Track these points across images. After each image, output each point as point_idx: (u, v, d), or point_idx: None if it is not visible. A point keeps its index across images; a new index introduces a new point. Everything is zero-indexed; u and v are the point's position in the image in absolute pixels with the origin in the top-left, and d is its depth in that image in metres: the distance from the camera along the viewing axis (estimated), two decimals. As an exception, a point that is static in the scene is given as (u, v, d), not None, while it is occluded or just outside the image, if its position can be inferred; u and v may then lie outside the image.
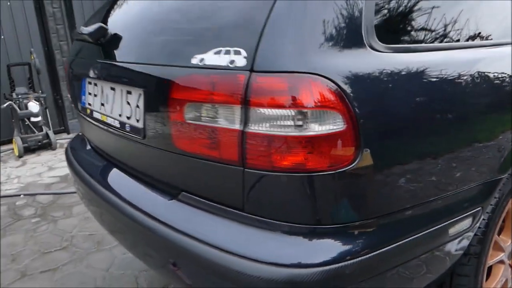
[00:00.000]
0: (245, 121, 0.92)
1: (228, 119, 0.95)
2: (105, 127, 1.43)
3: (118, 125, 1.33)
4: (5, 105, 4.21)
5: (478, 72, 1.15)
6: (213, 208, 1.07)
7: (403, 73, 0.99)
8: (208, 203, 1.08)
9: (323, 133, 0.89)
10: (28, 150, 4.31)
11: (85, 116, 1.61)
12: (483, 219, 1.27)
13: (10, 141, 4.46)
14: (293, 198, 0.96)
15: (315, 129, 0.89)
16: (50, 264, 2.27)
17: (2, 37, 4.58)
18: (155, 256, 1.25)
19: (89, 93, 1.54)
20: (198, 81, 0.99)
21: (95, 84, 1.48)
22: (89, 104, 1.54)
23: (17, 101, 4.27)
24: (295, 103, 0.88)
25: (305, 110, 0.88)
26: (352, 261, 0.99)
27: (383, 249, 1.04)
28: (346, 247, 1.00)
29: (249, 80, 0.90)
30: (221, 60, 0.95)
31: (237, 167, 0.97)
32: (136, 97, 1.21)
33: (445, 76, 1.07)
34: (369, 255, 1.01)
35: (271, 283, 0.94)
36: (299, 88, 0.88)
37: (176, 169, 1.16)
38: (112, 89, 1.36)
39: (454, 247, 1.21)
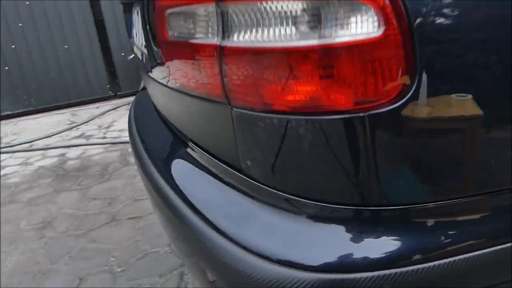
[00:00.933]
0: (223, 29, 0.57)
1: (204, 29, 0.61)
2: (139, 62, 1.20)
3: (141, 57, 1.08)
4: (131, 56, 4.42)
5: None
6: (213, 165, 0.76)
7: None
8: (209, 158, 0.77)
9: (346, 42, 0.49)
10: (153, 100, 4.50)
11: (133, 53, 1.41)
12: None
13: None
14: (309, 158, 0.58)
15: (332, 35, 0.49)
16: (138, 211, 2.25)
17: (132, -9, 4.77)
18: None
19: (134, 23, 1.32)
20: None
21: (136, 12, 1.25)
22: (133, 37, 1.33)
23: (142, 53, 4.44)
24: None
25: (312, 2, 0.49)
26: (423, 265, 0.60)
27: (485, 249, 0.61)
28: (411, 244, 0.61)
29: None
30: None
31: (225, 106, 0.63)
32: (146, 18, 0.93)
33: None
34: (456, 257, 0.60)
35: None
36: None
37: (180, 112, 0.86)
38: (137, 13, 1.10)
39: None
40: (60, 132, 3.91)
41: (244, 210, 0.67)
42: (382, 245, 0.60)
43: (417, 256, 0.60)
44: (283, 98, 0.54)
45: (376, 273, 0.59)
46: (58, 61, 4.69)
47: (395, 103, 0.49)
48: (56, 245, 2.02)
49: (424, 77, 0.48)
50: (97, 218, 2.24)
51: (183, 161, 0.85)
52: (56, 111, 4.73)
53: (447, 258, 0.59)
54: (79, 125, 4.10)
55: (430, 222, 0.61)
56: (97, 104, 4.86)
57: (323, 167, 0.58)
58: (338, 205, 0.60)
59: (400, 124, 0.51)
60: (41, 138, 3.79)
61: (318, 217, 0.62)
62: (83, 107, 4.79)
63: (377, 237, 0.61)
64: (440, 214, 0.61)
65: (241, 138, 0.63)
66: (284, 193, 0.63)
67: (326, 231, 0.62)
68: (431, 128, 0.53)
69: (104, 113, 4.48)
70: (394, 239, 0.61)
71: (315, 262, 0.59)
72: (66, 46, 4.68)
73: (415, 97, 0.49)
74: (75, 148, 3.43)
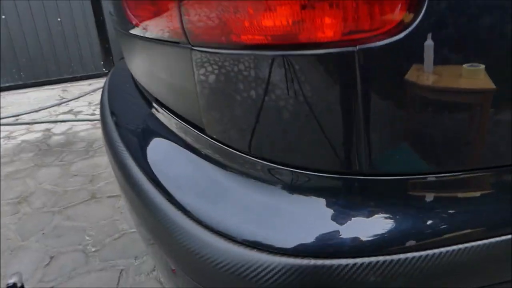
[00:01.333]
0: None
1: None
2: (112, 19, 1.07)
3: (112, 11, 0.95)
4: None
5: None
6: (178, 127, 0.64)
7: None
8: (174, 119, 0.65)
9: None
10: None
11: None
12: None
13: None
14: (283, 110, 0.46)
15: None
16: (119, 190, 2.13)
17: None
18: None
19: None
20: None
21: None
22: (108, -7, 1.20)
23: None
24: None
25: None
26: (422, 252, 0.49)
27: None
28: (408, 225, 0.49)
29: None
30: None
31: (184, 47, 0.50)
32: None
33: None
34: (465, 245, 0.49)
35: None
36: None
37: (144, 66, 0.74)
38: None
39: None
40: (48, 107, 3.78)
41: (205, 178, 0.55)
42: (373, 225, 0.49)
43: (413, 242, 0.48)
44: (253, 25, 0.42)
45: (362, 260, 0.47)
46: (50, 35, 4.53)
47: (392, 36, 0.36)
48: (30, 222, 1.90)
49: (434, 4, 0.36)
50: (76, 195, 2.12)
51: (150, 128, 0.73)
52: (46, 86, 4.59)
53: (453, 244, 0.48)
54: (68, 101, 3.97)
55: (432, 198, 0.50)
56: (89, 81, 4.72)
57: (301, 122, 0.46)
58: (319, 172, 0.48)
59: (397, 67, 0.38)
60: (28, 113, 3.66)
61: (295, 188, 0.50)
62: (75, 83, 4.65)
63: (367, 214, 0.49)
64: (444, 189, 0.49)
65: (202, 86, 0.50)
66: (254, 157, 0.51)
67: (304, 206, 0.50)
68: (437, 77, 0.41)
69: (95, 90, 4.34)
70: (389, 218, 0.49)
71: (287, 244, 0.48)
72: (59, 19, 4.52)
73: (419, 31, 0.37)
74: (62, 123, 3.30)
